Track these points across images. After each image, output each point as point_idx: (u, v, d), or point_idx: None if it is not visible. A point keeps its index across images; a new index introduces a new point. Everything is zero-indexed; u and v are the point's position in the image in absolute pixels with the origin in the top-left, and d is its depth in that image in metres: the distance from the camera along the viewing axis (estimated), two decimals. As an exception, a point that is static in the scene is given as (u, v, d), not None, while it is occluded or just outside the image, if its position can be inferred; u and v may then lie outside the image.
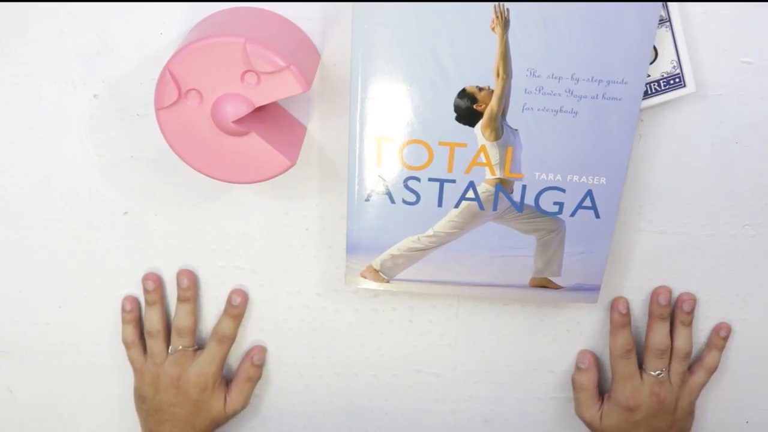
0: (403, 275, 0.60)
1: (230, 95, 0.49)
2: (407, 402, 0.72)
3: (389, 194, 0.57)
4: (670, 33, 0.53)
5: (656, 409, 0.65)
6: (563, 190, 0.56)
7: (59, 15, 0.54)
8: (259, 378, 0.69)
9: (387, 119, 0.54)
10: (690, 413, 0.68)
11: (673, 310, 0.65)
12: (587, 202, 0.57)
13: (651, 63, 0.54)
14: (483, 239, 0.58)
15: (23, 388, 0.73)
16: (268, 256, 0.64)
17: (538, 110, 0.53)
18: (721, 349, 0.67)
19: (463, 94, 0.53)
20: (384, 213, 0.57)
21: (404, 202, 0.57)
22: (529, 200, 0.57)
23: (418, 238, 0.58)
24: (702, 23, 0.53)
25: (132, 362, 0.68)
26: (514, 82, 0.52)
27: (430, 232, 0.58)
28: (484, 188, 0.56)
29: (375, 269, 0.60)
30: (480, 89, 0.52)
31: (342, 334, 0.68)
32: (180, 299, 0.65)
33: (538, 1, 0.49)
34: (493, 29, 0.50)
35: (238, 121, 0.50)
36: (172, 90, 0.49)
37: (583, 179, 0.56)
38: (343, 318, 0.68)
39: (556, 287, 0.60)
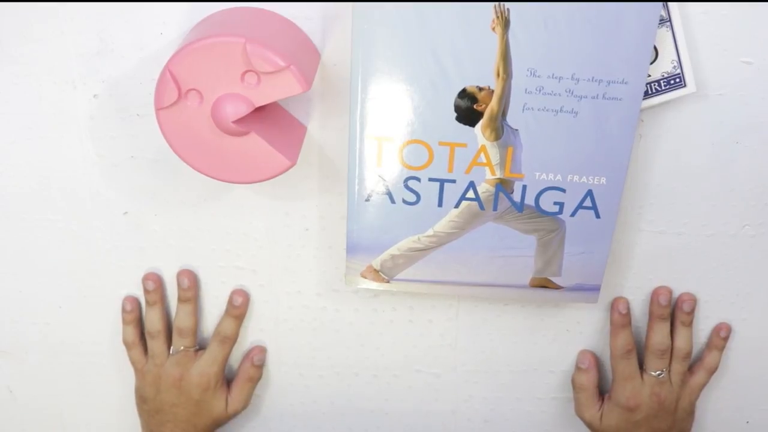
0: (403, 275, 0.60)
1: (230, 95, 0.49)
2: (407, 402, 0.72)
3: (389, 194, 0.57)
4: (670, 33, 0.53)
5: (656, 409, 0.65)
6: (563, 190, 0.56)
7: (59, 15, 0.54)
8: (259, 378, 0.69)
9: (387, 119, 0.54)
10: (690, 413, 0.68)
11: (674, 311, 0.65)
12: (587, 202, 0.57)
13: (651, 63, 0.54)
14: (483, 239, 0.58)
15: (23, 388, 0.73)
16: (268, 256, 0.64)
17: (538, 110, 0.53)
18: (722, 349, 0.67)
19: (464, 94, 0.53)
20: (384, 213, 0.57)
21: (404, 202, 0.57)
22: (530, 200, 0.57)
23: (419, 238, 0.58)
24: (702, 23, 0.53)
25: (133, 363, 0.68)
26: (514, 82, 0.52)
27: (430, 232, 0.58)
28: (485, 188, 0.56)
29: (375, 269, 0.60)
30: (480, 89, 0.52)
31: (342, 334, 0.68)
32: (180, 299, 0.65)
33: (539, 1, 0.49)
34: (493, 29, 0.50)
35: (238, 121, 0.50)
36: (172, 90, 0.49)
37: (584, 179, 0.56)
38: (343, 318, 0.68)
39: (557, 287, 0.60)
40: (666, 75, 0.54)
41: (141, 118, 0.58)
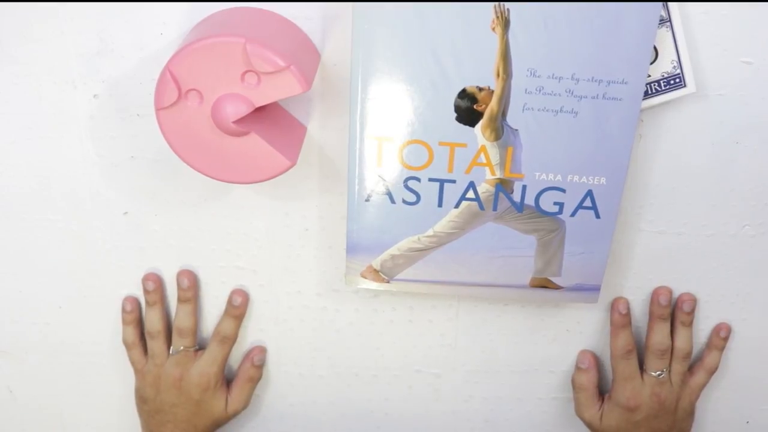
0: (403, 275, 0.60)
1: (230, 95, 0.49)
2: (407, 402, 0.72)
3: (389, 194, 0.57)
4: (670, 33, 0.53)
5: (657, 409, 0.65)
6: (563, 191, 0.56)
7: (59, 15, 0.54)
8: (259, 378, 0.69)
9: (387, 119, 0.54)
10: (690, 414, 0.68)
11: (674, 311, 0.65)
12: (587, 202, 0.57)
13: (651, 63, 0.54)
14: (483, 239, 0.58)
15: (23, 388, 0.73)
16: (269, 256, 0.64)
17: (538, 110, 0.53)
18: (722, 349, 0.67)
19: (464, 94, 0.53)
20: (384, 213, 0.57)
21: (404, 202, 0.57)
22: (530, 200, 0.57)
23: (419, 238, 0.58)
24: (702, 23, 0.53)
25: (133, 363, 0.68)
26: (514, 82, 0.52)
27: (430, 232, 0.58)
28: (485, 188, 0.56)
29: (375, 269, 0.60)
30: (480, 89, 0.52)
31: (342, 334, 0.68)
32: (180, 300, 0.65)
33: (538, 1, 0.49)
34: (493, 29, 0.50)
35: (239, 122, 0.50)
36: (172, 90, 0.49)
37: (584, 179, 0.56)
38: (343, 318, 0.68)
39: (557, 287, 0.60)
40: (666, 75, 0.54)
41: (141, 118, 0.58)
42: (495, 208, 0.57)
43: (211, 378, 0.66)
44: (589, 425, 0.68)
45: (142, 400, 0.68)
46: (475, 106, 0.53)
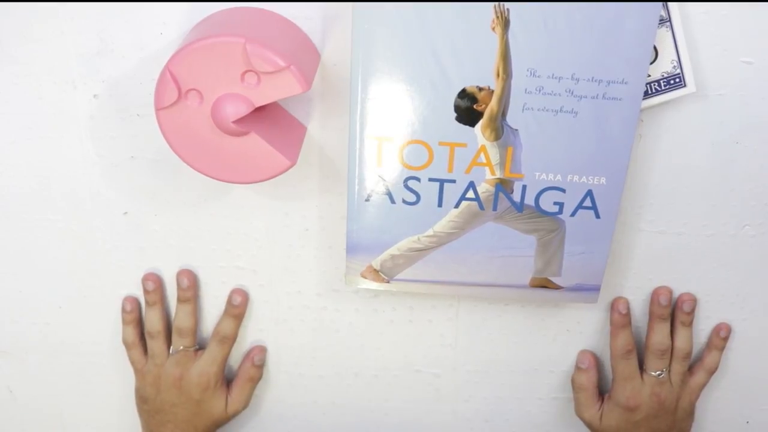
0: (403, 275, 0.60)
1: (230, 95, 0.49)
2: (407, 402, 0.72)
3: (389, 194, 0.57)
4: (670, 33, 0.53)
5: (657, 409, 0.65)
6: (563, 190, 0.56)
7: (59, 15, 0.54)
8: (259, 378, 0.69)
9: (387, 119, 0.54)
10: (690, 414, 0.68)
11: (674, 311, 0.65)
12: (587, 202, 0.57)
13: (651, 63, 0.54)
14: (483, 239, 0.58)
15: (23, 388, 0.73)
16: (269, 256, 0.64)
17: (538, 110, 0.53)
18: (721, 349, 0.67)
19: (464, 94, 0.53)
20: (384, 213, 0.57)
21: (404, 202, 0.57)
22: (529, 200, 0.57)
23: (418, 238, 0.58)
24: (702, 23, 0.53)
25: (133, 363, 0.68)
26: (514, 82, 0.52)
27: (430, 232, 0.58)
28: (484, 188, 0.56)
29: (375, 269, 0.60)
30: (480, 89, 0.52)
31: (342, 335, 0.68)
32: (180, 300, 0.65)
33: (538, 1, 0.49)
34: (493, 29, 0.50)
35: (238, 121, 0.50)
36: (172, 90, 0.49)
37: (583, 179, 0.56)
38: (343, 318, 0.68)
39: (557, 287, 0.60)
40: (666, 75, 0.54)
41: (141, 118, 0.58)
42: (495, 208, 0.57)
43: (211, 378, 0.66)
44: (589, 425, 0.68)
45: (142, 400, 0.68)
46: (475, 106, 0.53)
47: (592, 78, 0.52)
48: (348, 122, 0.55)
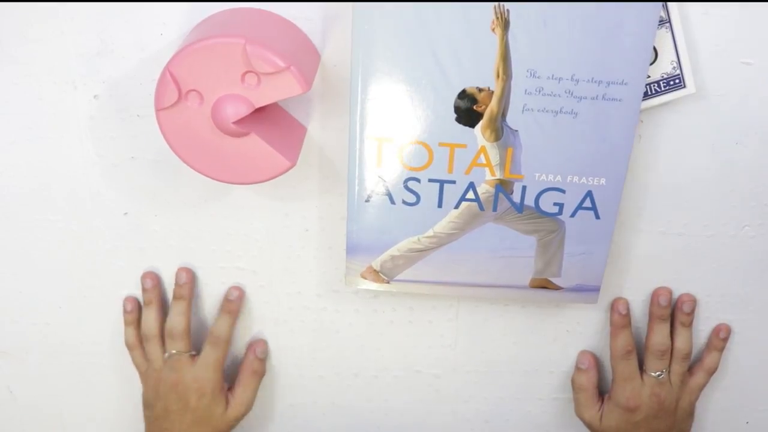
0: (403, 276, 0.60)
1: (230, 96, 0.49)
2: (407, 403, 0.72)
3: (389, 195, 0.57)
4: (670, 33, 0.53)
5: (656, 410, 0.65)
6: (563, 191, 0.56)
7: (59, 15, 0.54)
8: (263, 374, 0.68)
9: (387, 120, 0.54)
10: (690, 414, 0.68)
11: (673, 311, 0.65)
12: (587, 203, 0.57)
13: (651, 64, 0.54)
14: (483, 240, 0.58)
15: (23, 388, 0.73)
16: (269, 256, 0.64)
17: (538, 111, 0.53)
18: (721, 350, 0.67)
19: (463, 94, 0.53)
20: (384, 214, 0.57)
21: (404, 202, 0.57)
22: (529, 201, 0.57)
23: (418, 239, 0.58)
24: (702, 23, 0.53)
25: (136, 365, 0.67)
26: (514, 83, 0.52)
27: (430, 232, 0.58)
28: (484, 189, 0.56)
29: (375, 270, 0.60)
30: (480, 90, 0.52)
31: (342, 335, 0.68)
32: (175, 297, 0.65)
33: (538, 2, 0.49)
34: (493, 30, 0.50)
35: (238, 122, 0.50)
36: (173, 91, 0.49)
37: (583, 180, 0.56)
38: (343, 319, 0.68)
39: (557, 288, 0.60)
40: (666, 76, 0.54)
41: (141, 118, 0.58)
42: (495, 209, 0.57)
43: (207, 383, 0.65)
44: (588, 426, 0.68)
45: (145, 405, 0.67)
46: (475, 107, 0.53)
47: (592, 79, 0.52)
48: (348, 122, 0.55)
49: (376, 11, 0.50)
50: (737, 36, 0.54)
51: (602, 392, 0.69)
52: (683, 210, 0.61)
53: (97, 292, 0.67)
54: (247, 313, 0.67)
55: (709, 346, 0.67)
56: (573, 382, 0.69)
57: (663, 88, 0.55)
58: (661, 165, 0.59)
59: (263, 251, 0.64)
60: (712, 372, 0.67)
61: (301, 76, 0.48)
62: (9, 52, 0.56)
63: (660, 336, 0.64)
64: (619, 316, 0.65)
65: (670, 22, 0.53)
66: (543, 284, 0.60)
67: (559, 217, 0.57)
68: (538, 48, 0.51)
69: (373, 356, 0.70)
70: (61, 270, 0.66)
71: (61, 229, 0.64)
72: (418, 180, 0.56)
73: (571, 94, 0.52)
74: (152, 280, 0.64)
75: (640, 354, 0.66)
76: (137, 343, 0.67)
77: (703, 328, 0.67)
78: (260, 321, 0.68)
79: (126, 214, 0.63)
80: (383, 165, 0.56)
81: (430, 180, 0.56)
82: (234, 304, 0.65)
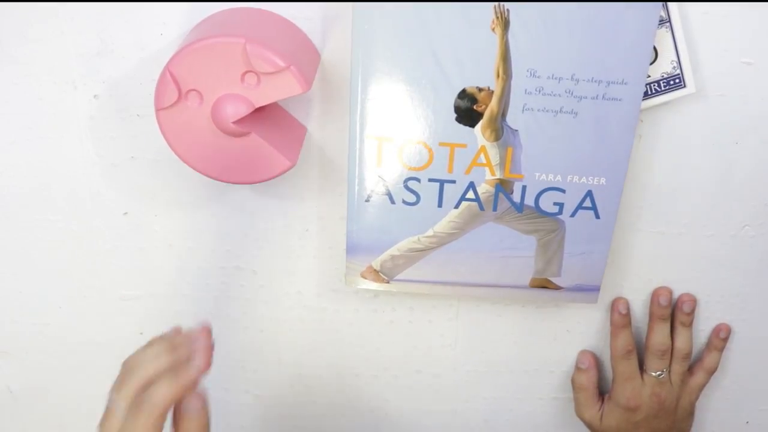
0: (403, 276, 0.60)
1: (230, 96, 0.49)
2: (407, 402, 0.72)
3: (389, 195, 0.57)
4: (670, 33, 0.53)
5: (657, 409, 0.65)
6: (563, 191, 0.56)
7: (59, 15, 0.54)
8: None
9: (387, 119, 0.54)
10: (690, 414, 0.68)
11: (673, 311, 0.65)
12: (587, 203, 0.57)
13: (651, 63, 0.54)
14: (483, 240, 0.58)
15: (23, 388, 0.73)
16: (268, 256, 0.64)
17: (538, 111, 0.53)
18: (721, 350, 0.67)
19: (464, 94, 0.53)
20: (384, 213, 0.57)
21: (404, 202, 0.57)
22: (529, 201, 0.57)
23: (418, 239, 0.58)
24: (702, 23, 0.53)
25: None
26: (514, 82, 0.52)
27: (430, 232, 0.58)
28: (484, 189, 0.56)
29: (375, 270, 0.60)
30: (480, 90, 0.52)
31: (342, 335, 0.68)
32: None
33: (538, 1, 0.49)
34: (493, 30, 0.50)
35: (238, 122, 0.50)
36: (172, 90, 0.49)
37: (583, 180, 0.56)
38: (343, 318, 0.68)
39: (557, 288, 0.60)
40: (666, 75, 0.54)
41: (141, 118, 0.58)
42: (495, 209, 0.57)
43: None
44: (589, 425, 0.68)
45: None
46: (475, 107, 0.53)
47: (592, 78, 0.52)
48: (348, 122, 0.55)
49: (376, 11, 0.50)
50: (737, 36, 0.54)
51: (602, 392, 0.69)
52: (683, 210, 0.61)
53: (97, 292, 0.67)
54: (247, 313, 0.67)
55: (709, 346, 0.67)
56: (573, 381, 0.69)
57: (663, 88, 0.55)
58: (661, 165, 0.59)
59: (263, 251, 0.64)
60: (712, 372, 0.67)
61: (301, 75, 0.48)
62: (9, 52, 0.56)
63: (660, 336, 0.64)
64: (620, 316, 0.65)
65: (670, 21, 0.53)
66: (543, 284, 0.60)
67: (559, 216, 0.57)
68: (538, 48, 0.51)
69: (373, 356, 0.70)
70: (61, 270, 0.66)
71: (61, 229, 0.64)
72: (418, 180, 0.56)
73: (571, 93, 0.52)
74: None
75: (640, 354, 0.66)
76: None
77: (703, 328, 0.67)
78: (260, 321, 0.68)
79: (126, 214, 0.63)
80: (383, 165, 0.56)
81: (430, 180, 0.56)
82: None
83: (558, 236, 0.58)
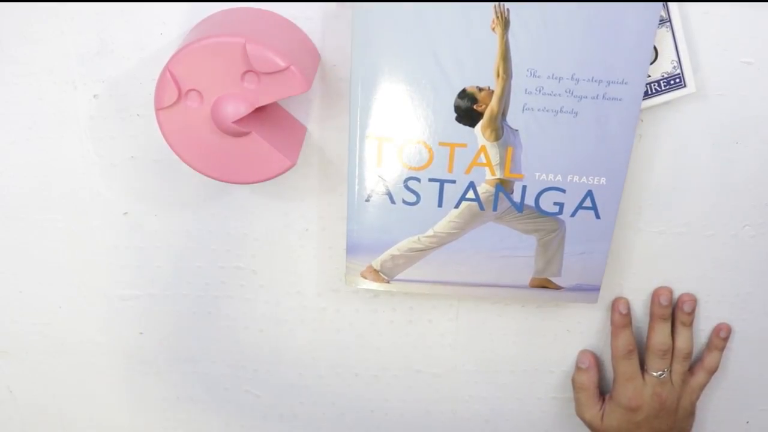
0: (403, 275, 0.60)
1: (230, 95, 0.49)
2: (407, 402, 0.72)
3: (389, 194, 0.57)
4: (670, 33, 0.53)
5: (658, 409, 0.65)
6: (563, 191, 0.56)
7: (59, 15, 0.54)
8: None
9: (387, 119, 0.54)
10: (691, 413, 0.68)
11: (674, 311, 0.65)
12: (587, 203, 0.57)
13: (651, 63, 0.54)
14: (483, 239, 0.58)
15: (23, 388, 0.73)
16: (268, 256, 0.64)
17: (538, 110, 0.53)
18: (722, 349, 0.67)
19: (464, 94, 0.53)
20: (384, 213, 0.57)
21: (404, 202, 0.57)
22: (530, 200, 0.57)
23: (419, 239, 0.58)
24: (702, 23, 0.53)
25: None
26: (514, 82, 0.52)
27: (430, 232, 0.58)
28: (485, 188, 0.56)
29: (375, 269, 0.60)
30: (480, 89, 0.52)
31: (342, 335, 0.68)
32: None
33: (538, 1, 0.49)
34: (493, 29, 0.50)
35: (238, 122, 0.50)
36: (172, 90, 0.49)
37: (583, 179, 0.56)
38: (343, 318, 0.68)
39: (557, 287, 0.60)
40: (666, 75, 0.54)
41: (141, 118, 0.58)
42: (495, 209, 0.57)
43: None
44: (589, 425, 0.68)
45: None
46: (475, 107, 0.53)
47: (592, 78, 0.52)
48: (348, 122, 0.55)
49: (376, 11, 0.50)
50: (737, 36, 0.54)
51: (602, 392, 0.69)
52: (683, 209, 0.61)
53: (97, 292, 0.67)
54: (247, 314, 0.67)
55: (709, 345, 0.67)
56: (573, 381, 0.69)
57: (663, 88, 0.55)
58: (661, 164, 0.59)
59: (263, 251, 0.64)
60: (712, 371, 0.67)
61: (301, 75, 0.48)
62: (9, 52, 0.56)
63: (661, 335, 0.64)
64: (620, 316, 0.65)
65: (670, 21, 0.53)
66: (543, 284, 0.60)
67: (560, 216, 0.57)
68: (539, 47, 0.51)
69: (373, 356, 0.70)
70: (61, 270, 0.66)
71: (61, 229, 0.64)
72: (418, 179, 0.56)
73: (572, 93, 0.52)
74: None
75: (640, 354, 0.66)
76: None
77: (703, 328, 0.67)
78: (260, 320, 0.68)
79: (126, 214, 0.63)
80: (383, 164, 0.56)
81: (431, 179, 0.56)
82: None
83: (558, 236, 0.58)
